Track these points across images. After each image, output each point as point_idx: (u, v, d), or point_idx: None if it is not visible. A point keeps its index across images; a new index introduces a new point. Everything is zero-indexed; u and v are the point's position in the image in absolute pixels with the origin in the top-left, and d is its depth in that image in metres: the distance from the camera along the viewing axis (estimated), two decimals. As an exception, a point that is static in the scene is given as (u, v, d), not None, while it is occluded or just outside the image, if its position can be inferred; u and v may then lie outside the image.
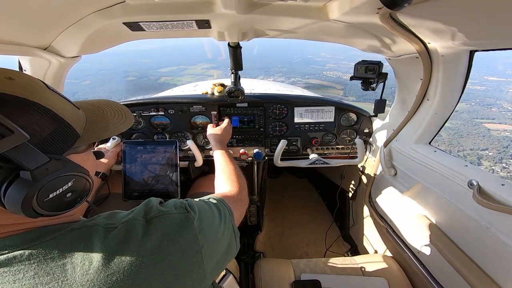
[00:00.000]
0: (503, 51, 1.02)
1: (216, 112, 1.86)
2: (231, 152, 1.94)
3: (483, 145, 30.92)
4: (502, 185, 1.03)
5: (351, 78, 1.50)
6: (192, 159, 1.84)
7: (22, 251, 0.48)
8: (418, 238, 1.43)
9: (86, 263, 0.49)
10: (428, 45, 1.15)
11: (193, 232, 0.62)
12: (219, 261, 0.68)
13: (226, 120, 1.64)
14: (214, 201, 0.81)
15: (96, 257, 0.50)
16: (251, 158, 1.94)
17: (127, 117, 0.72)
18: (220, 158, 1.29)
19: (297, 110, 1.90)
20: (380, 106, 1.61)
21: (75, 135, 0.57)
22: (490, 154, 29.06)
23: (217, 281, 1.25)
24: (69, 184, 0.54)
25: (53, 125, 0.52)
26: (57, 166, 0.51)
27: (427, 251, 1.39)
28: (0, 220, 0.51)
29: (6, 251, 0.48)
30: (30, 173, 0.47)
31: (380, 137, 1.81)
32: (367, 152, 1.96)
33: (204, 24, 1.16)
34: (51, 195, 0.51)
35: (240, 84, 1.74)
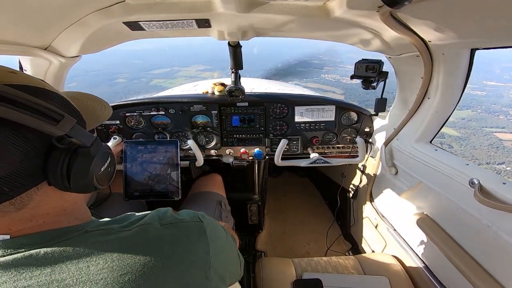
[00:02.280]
0: (502, 50, 1.01)
1: (216, 112, 1.86)
2: (232, 151, 1.95)
3: (499, 158, 29.19)
4: (504, 183, 1.03)
5: (352, 77, 1.50)
6: (193, 158, 1.84)
7: (38, 249, 0.50)
8: (419, 237, 1.43)
9: (101, 262, 0.50)
10: (429, 44, 1.14)
11: (205, 242, 0.63)
12: (224, 278, 0.68)
13: None
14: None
15: (110, 257, 0.51)
16: (251, 158, 1.95)
17: (105, 106, 0.75)
18: None
19: (297, 109, 1.89)
20: (380, 105, 1.61)
21: (84, 121, 0.61)
22: (508, 169, 27.18)
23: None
24: (109, 158, 0.61)
25: (69, 111, 0.55)
26: (100, 143, 0.57)
27: (428, 249, 1.39)
28: (17, 216, 0.51)
29: (23, 249, 0.49)
30: (89, 150, 0.53)
31: (381, 136, 1.81)
32: (368, 151, 1.95)
33: (204, 23, 1.16)
34: (102, 169, 0.58)
35: (240, 83, 1.74)
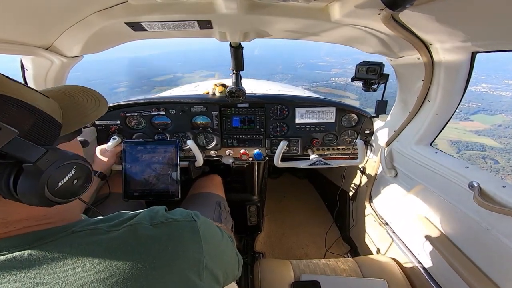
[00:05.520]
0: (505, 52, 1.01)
1: (217, 112, 1.87)
2: (232, 152, 1.96)
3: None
4: (503, 186, 1.03)
5: (353, 79, 1.51)
6: (193, 159, 1.84)
7: (22, 251, 0.48)
8: (419, 240, 1.43)
9: (87, 264, 0.49)
10: (430, 46, 1.15)
11: (198, 241, 0.61)
12: (218, 278, 0.66)
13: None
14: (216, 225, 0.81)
15: (97, 259, 0.50)
16: (251, 159, 1.95)
17: (100, 101, 0.70)
18: None
19: (298, 110, 1.90)
20: (381, 107, 1.61)
21: (56, 124, 0.57)
22: None
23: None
24: (73, 171, 0.55)
25: (32, 117, 0.51)
26: (55, 155, 0.51)
27: (427, 252, 1.39)
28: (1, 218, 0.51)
29: (6, 252, 0.48)
30: (33, 166, 0.48)
31: (381, 138, 1.81)
32: (368, 153, 1.96)
33: (206, 25, 1.16)
34: (60, 184, 0.52)
35: (241, 85, 1.74)
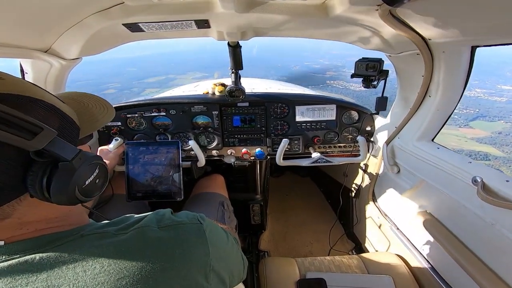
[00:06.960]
0: (506, 50, 1.00)
1: (217, 112, 1.86)
2: (234, 151, 1.95)
3: None
4: (507, 181, 1.02)
5: (352, 76, 1.50)
6: (195, 159, 1.84)
7: (33, 255, 0.49)
8: (423, 236, 1.43)
9: (97, 267, 0.49)
10: (429, 42, 1.14)
11: (205, 244, 0.62)
12: (224, 280, 0.67)
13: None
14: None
15: (107, 261, 0.50)
16: (253, 158, 1.94)
17: (108, 108, 0.74)
18: None
19: (298, 108, 1.89)
20: (381, 104, 1.60)
21: (76, 128, 0.60)
22: None
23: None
24: (97, 170, 0.58)
25: (59, 119, 0.55)
26: (85, 155, 0.54)
27: (432, 248, 1.38)
28: (4, 224, 0.51)
29: (18, 255, 0.49)
30: (69, 164, 0.50)
31: (382, 135, 1.80)
32: (370, 150, 1.95)
33: (203, 24, 1.16)
34: (87, 182, 0.55)
35: (240, 84, 1.73)
